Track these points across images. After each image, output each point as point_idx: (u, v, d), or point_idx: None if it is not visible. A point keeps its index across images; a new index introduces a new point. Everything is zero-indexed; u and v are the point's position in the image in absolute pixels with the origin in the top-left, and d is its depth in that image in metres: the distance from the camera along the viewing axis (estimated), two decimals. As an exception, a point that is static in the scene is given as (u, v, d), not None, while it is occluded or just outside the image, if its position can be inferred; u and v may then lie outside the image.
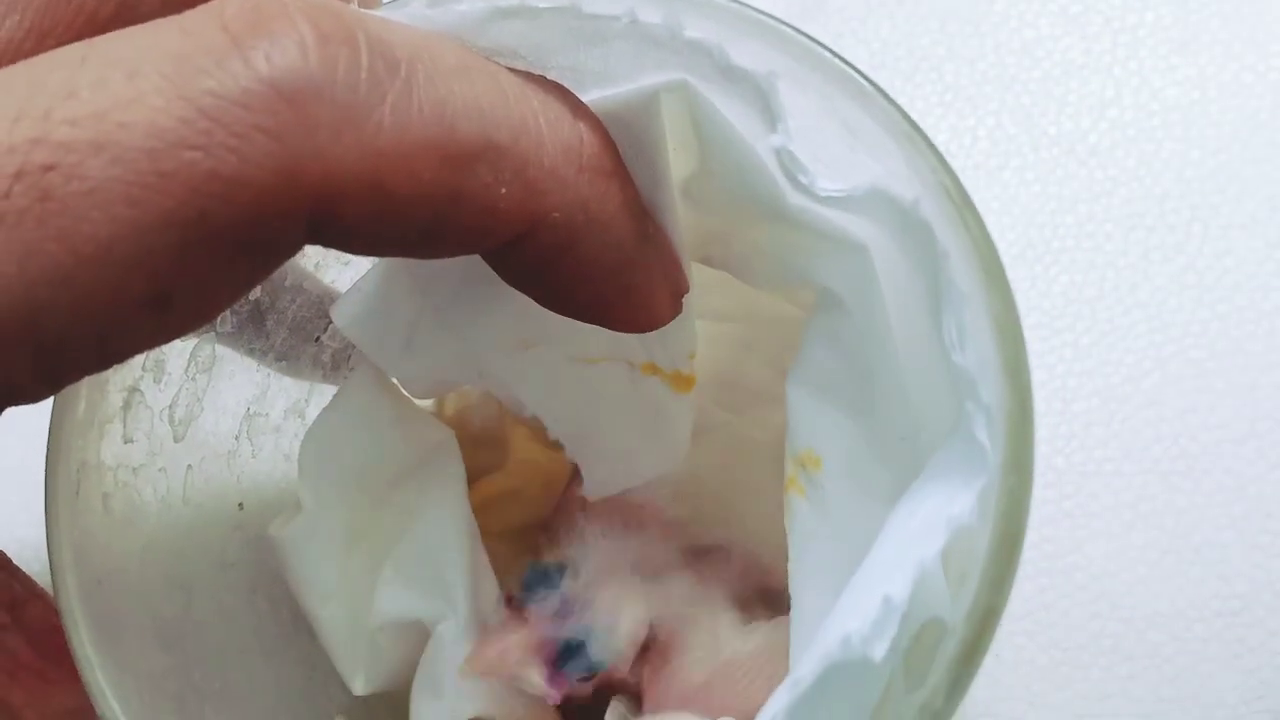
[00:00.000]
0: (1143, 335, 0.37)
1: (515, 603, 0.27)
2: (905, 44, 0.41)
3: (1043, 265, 0.38)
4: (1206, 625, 0.34)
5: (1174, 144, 0.39)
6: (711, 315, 0.27)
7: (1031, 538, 0.35)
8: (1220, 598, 0.34)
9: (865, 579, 0.19)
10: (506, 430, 0.31)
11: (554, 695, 0.26)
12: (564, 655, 0.26)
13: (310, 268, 0.28)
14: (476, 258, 0.20)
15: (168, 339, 0.18)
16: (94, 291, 0.16)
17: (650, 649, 0.27)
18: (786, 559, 0.23)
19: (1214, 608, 0.34)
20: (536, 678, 0.26)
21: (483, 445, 0.31)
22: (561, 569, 0.27)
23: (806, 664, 0.18)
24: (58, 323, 0.16)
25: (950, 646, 0.18)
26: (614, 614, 0.26)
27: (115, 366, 0.24)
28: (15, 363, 0.16)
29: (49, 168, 0.15)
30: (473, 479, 0.29)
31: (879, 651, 0.18)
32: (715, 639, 0.26)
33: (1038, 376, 0.37)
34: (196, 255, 0.16)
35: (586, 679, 0.26)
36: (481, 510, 0.28)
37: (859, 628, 0.18)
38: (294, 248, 0.17)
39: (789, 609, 0.23)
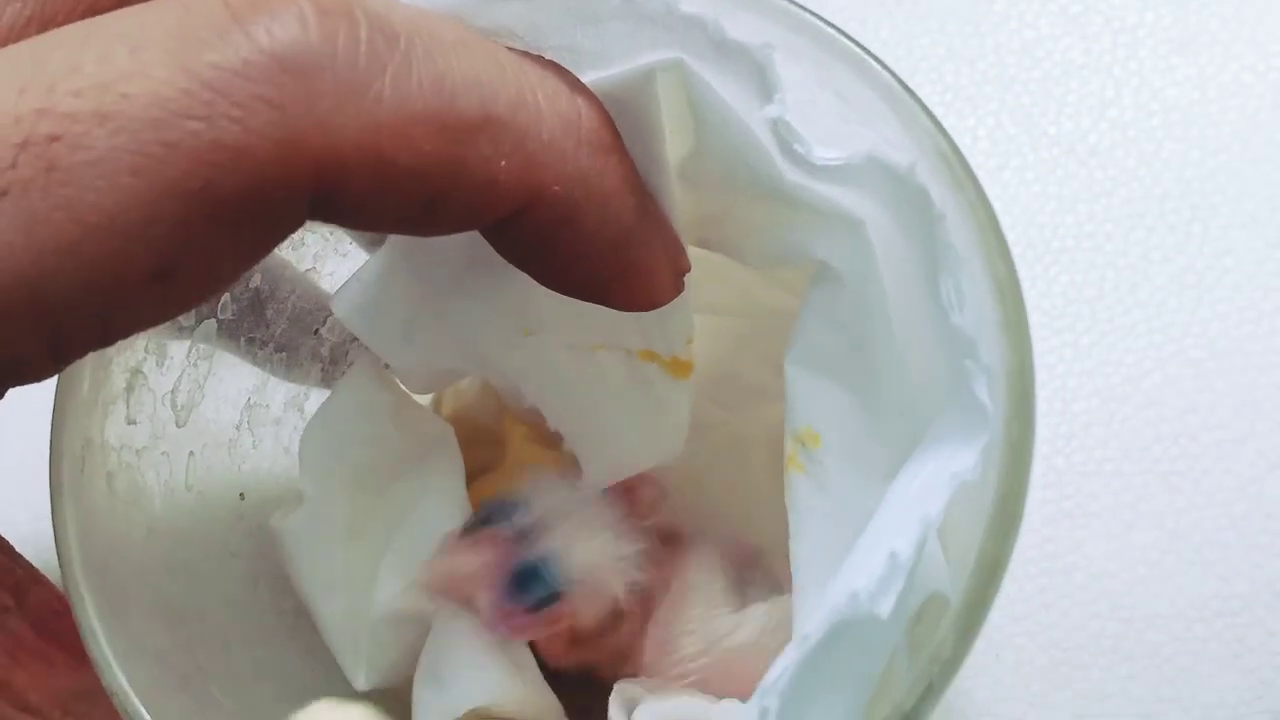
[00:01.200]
0: (1143, 335, 0.37)
1: (472, 532, 0.27)
2: (905, 44, 0.41)
3: (1043, 265, 0.38)
4: (1206, 625, 0.34)
5: (1174, 144, 0.39)
6: (708, 309, 0.27)
7: (1032, 538, 0.35)
8: (1220, 598, 0.34)
9: (870, 541, 0.19)
10: (504, 430, 0.32)
11: (504, 628, 0.26)
12: (520, 582, 0.26)
13: (308, 260, 0.28)
14: (477, 246, 0.20)
15: (171, 314, 0.18)
16: (99, 262, 0.16)
17: (639, 614, 0.27)
18: (781, 550, 0.23)
19: (1214, 608, 0.34)
20: (485, 598, 0.26)
21: (480, 445, 0.31)
22: (521, 503, 0.27)
23: (814, 621, 0.19)
24: (64, 293, 0.16)
25: (957, 600, 0.18)
26: (570, 543, 0.26)
27: (118, 346, 0.24)
28: (22, 334, 0.16)
29: (54, 138, 0.16)
30: (470, 479, 0.29)
31: (885, 607, 0.18)
32: (709, 622, 0.26)
33: (1038, 377, 0.37)
34: (200, 226, 0.16)
35: (544, 604, 0.26)
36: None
37: (865, 584, 0.18)
38: (296, 221, 0.18)
39: (778, 580, 0.23)
